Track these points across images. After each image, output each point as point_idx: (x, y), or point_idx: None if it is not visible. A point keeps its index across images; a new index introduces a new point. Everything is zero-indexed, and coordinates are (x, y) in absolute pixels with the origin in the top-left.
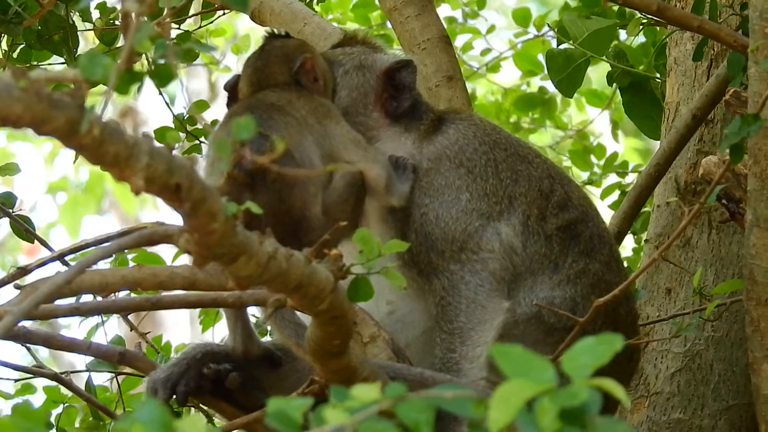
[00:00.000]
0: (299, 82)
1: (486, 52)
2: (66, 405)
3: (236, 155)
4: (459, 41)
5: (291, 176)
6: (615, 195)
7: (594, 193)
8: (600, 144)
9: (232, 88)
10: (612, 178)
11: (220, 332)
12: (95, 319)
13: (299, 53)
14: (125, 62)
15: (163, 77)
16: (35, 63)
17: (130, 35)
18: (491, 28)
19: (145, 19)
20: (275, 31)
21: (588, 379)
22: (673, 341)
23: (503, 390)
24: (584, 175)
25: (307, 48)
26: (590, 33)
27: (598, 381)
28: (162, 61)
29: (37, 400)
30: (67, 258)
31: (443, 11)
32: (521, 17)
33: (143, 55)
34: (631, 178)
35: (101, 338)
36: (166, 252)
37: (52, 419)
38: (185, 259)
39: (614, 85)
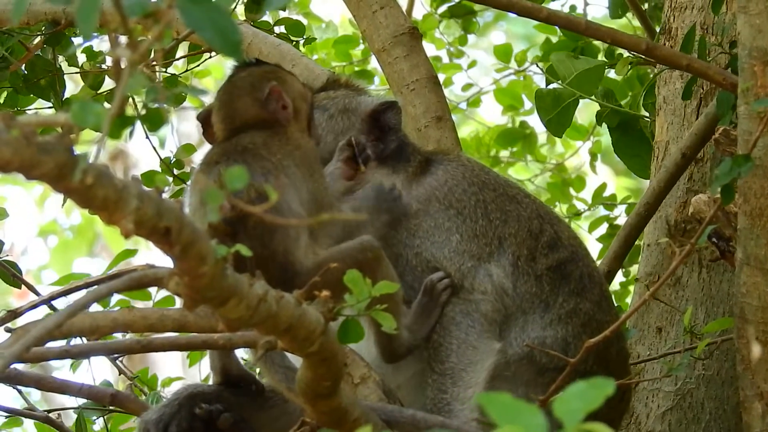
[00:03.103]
0: (270, 111)
1: (467, 87)
2: None
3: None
4: (441, 77)
5: (271, 221)
6: (603, 228)
7: (579, 225)
8: (579, 176)
9: (205, 118)
10: (600, 211)
11: (207, 367)
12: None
13: (266, 82)
14: (117, 109)
15: (154, 121)
16: (20, 109)
17: (122, 82)
18: (472, 63)
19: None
20: (245, 59)
21: (579, 425)
22: (664, 380)
23: None
24: (565, 208)
25: (275, 74)
26: (579, 73)
27: (590, 426)
28: (153, 105)
29: None
30: (57, 300)
31: (428, 51)
32: (503, 53)
33: (133, 99)
34: (619, 210)
35: (89, 378)
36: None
37: None
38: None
39: (596, 119)
